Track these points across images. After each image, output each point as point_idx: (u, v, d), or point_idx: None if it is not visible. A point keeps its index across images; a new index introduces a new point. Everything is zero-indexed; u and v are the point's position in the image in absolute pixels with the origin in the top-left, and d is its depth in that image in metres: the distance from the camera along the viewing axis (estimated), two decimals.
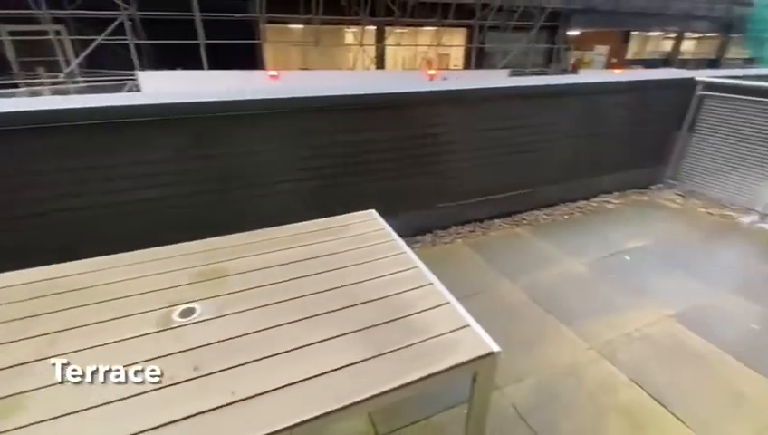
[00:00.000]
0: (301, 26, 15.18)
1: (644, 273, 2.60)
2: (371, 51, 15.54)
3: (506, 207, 3.41)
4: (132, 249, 1.36)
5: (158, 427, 0.77)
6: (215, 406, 0.81)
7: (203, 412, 0.80)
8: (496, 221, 3.34)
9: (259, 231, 1.51)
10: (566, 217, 3.45)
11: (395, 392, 0.87)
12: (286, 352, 0.96)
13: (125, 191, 2.10)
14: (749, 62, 23.37)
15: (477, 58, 15.94)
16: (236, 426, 0.78)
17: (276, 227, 1.55)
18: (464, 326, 1.05)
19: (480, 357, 0.95)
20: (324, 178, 2.57)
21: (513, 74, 14.31)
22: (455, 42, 16.38)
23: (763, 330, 2.10)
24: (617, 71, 17.49)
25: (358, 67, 15.77)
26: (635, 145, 3.82)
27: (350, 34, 15.66)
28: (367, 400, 0.84)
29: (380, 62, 16.24)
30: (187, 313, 1.09)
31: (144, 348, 0.96)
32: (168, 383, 0.86)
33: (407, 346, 0.98)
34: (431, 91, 2.77)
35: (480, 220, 3.34)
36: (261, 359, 0.93)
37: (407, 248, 1.42)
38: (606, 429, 1.56)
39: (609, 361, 1.87)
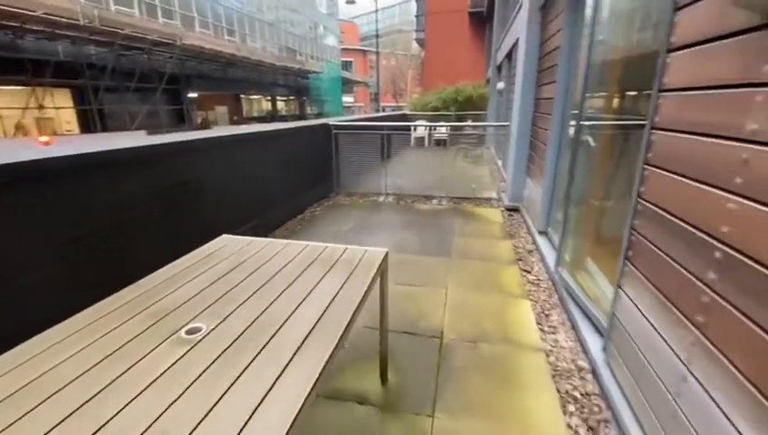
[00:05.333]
0: None
1: (361, 237, 4.09)
2: None
3: (262, 231, 4.05)
4: None
5: None
6: None
7: None
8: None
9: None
10: (298, 227, 4.52)
11: None
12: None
13: None
14: (318, 115, 33.64)
15: (100, 120, 14.11)
16: None
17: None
18: None
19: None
20: (94, 246, 2.25)
21: (150, 134, 13.88)
22: (60, 103, 13.64)
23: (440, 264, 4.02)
24: (243, 126, 20.76)
25: None
26: (316, 169, 5.46)
27: None
28: None
29: None
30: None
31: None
32: None
33: None
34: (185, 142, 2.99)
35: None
36: None
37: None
38: None
39: None
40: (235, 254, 1.83)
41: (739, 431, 1.03)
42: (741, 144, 1.09)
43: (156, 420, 0.84)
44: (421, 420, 1.76)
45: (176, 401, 0.90)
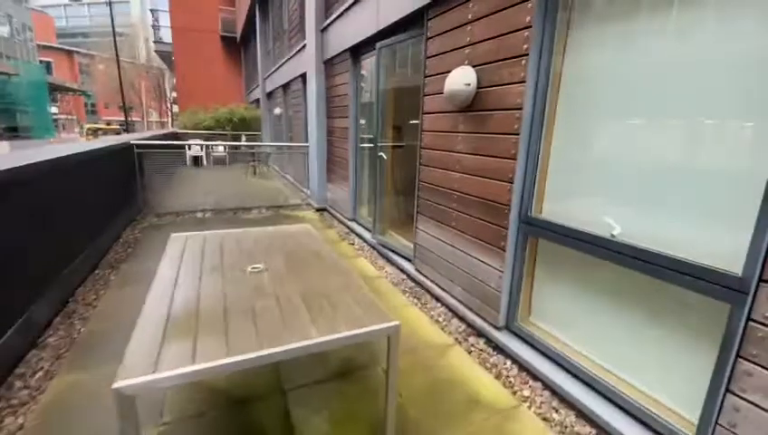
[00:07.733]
0: None
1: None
2: None
3: (91, 262, 3.77)
4: None
5: None
6: None
7: None
8: None
9: None
10: (127, 252, 4.37)
11: None
12: None
13: None
14: (12, 130, 24.78)
15: None
16: None
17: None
18: None
19: None
20: None
21: None
22: None
23: None
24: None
25: None
26: (122, 191, 5.12)
27: None
28: None
29: None
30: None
31: None
32: None
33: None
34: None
35: None
36: None
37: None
38: None
39: None
40: (209, 240, 2.42)
41: (476, 257, 2.82)
42: (456, 154, 2.93)
43: (290, 294, 1.76)
44: None
45: (281, 286, 1.81)
